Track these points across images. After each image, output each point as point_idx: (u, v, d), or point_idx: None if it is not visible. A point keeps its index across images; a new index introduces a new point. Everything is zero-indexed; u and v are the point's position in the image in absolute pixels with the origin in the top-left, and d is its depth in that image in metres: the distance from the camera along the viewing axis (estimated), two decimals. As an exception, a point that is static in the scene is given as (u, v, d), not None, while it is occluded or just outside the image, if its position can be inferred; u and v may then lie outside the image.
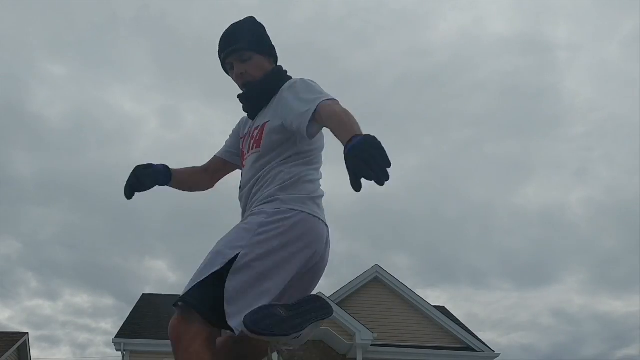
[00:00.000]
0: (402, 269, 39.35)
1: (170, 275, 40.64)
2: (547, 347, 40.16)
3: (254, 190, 2.10)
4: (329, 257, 2.11)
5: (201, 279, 1.82)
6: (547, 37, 37.89)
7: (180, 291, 2.03)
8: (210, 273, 1.82)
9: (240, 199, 2.19)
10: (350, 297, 17.55)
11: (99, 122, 39.08)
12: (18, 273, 40.40)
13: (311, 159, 2.14)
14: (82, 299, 44.29)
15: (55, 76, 37.85)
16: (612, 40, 40.41)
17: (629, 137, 39.78)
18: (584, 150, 40.48)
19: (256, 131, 2.18)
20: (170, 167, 2.35)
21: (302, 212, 1.98)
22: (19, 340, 20.55)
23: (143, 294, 20.00)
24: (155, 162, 2.33)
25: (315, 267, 2.04)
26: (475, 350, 17.18)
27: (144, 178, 2.25)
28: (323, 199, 2.14)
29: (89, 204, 40.38)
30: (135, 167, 2.26)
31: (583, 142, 40.17)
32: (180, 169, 2.43)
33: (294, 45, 38.93)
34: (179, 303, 1.80)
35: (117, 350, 16.02)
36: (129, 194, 2.26)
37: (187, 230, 40.62)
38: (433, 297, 42.67)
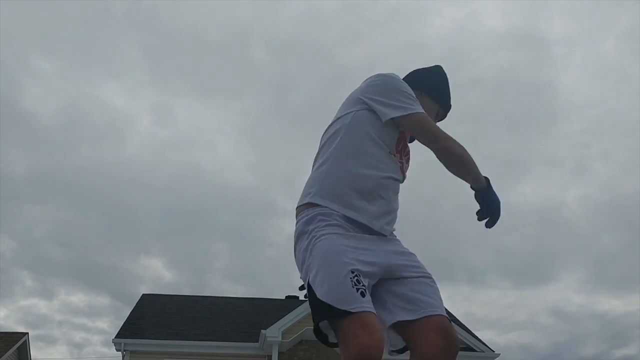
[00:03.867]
0: (400, 267, 39.31)
1: (166, 274, 40.61)
2: (546, 346, 40.18)
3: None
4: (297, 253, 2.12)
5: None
6: (543, 33, 37.90)
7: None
8: None
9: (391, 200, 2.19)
10: (350, 297, 17.56)
11: (92, 118, 39.09)
12: (13, 272, 40.37)
13: None
14: (78, 298, 44.30)
15: (48, 72, 37.83)
16: (609, 35, 40.44)
17: (627, 133, 39.76)
18: (581, 147, 40.51)
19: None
20: None
21: None
22: (19, 340, 20.56)
23: (143, 294, 20.02)
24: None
25: None
26: (475, 351, 17.20)
27: None
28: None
29: (84, 202, 40.40)
30: None
31: (580, 139, 40.21)
32: None
33: (289, 40, 39.01)
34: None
35: (117, 350, 16.04)
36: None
37: (182, 229, 40.64)
38: (431, 296, 42.70)
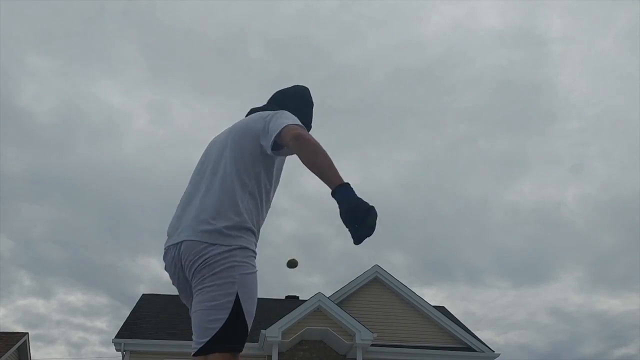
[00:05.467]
0: (397, 267, 39.36)
1: (164, 273, 40.52)
2: (545, 346, 40.12)
3: None
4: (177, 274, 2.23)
5: None
6: (541, 31, 37.89)
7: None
8: None
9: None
10: (350, 297, 17.59)
11: (88, 117, 38.98)
12: (10, 271, 40.24)
13: None
14: (76, 297, 44.13)
15: (44, 70, 37.73)
16: (608, 34, 40.40)
17: (625, 132, 39.72)
18: (579, 146, 40.48)
19: None
20: None
21: None
22: (19, 340, 20.59)
23: (143, 294, 20.04)
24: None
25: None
26: (475, 350, 17.22)
27: None
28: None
29: (81, 201, 40.33)
30: None
31: (579, 137, 40.19)
32: None
33: (286, 38, 39.02)
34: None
35: (117, 350, 16.06)
36: None
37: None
38: (429, 295, 42.73)
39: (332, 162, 2.00)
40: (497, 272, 42.40)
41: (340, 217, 1.91)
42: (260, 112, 2.37)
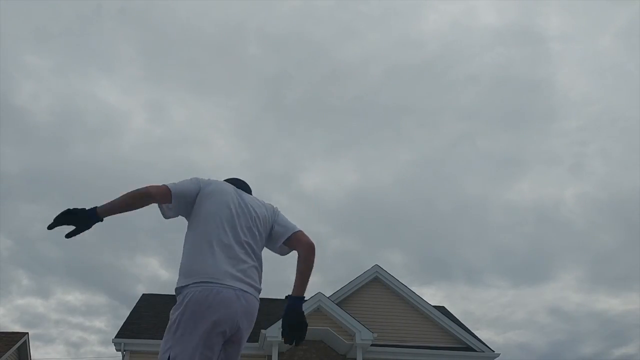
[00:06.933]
0: (396, 266, 39.33)
1: (162, 272, 40.57)
2: (544, 345, 40.09)
3: None
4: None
5: None
6: (540, 29, 37.89)
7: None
8: None
9: None
10: (350, 297, 17.58)
11: (86, 115, 38.98)
12: (9, 270, 40.22)
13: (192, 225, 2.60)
14: (75, 297, 44.11)
15: (41, 69, 37.73)
16: (606, 32, 40.39)
17: (625, 131, 39.67)
18: (578, 145, 40.45)
19: None
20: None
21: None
22: (19, 340, 20.57)
23: (143, 294, 20.03)
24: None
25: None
26: (475, 350, 17.20)
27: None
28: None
29: (79, 200, 40.19)
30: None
31: (578, 136, 40.17)
32: None
33: (284, 36, 38.99)
34: None
35: (117, 350, 16.07)
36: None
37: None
38: (428, 295, 42.70)
39: None
40: (496, 271, 42.38)
41: (286, 319, 2.44)
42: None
